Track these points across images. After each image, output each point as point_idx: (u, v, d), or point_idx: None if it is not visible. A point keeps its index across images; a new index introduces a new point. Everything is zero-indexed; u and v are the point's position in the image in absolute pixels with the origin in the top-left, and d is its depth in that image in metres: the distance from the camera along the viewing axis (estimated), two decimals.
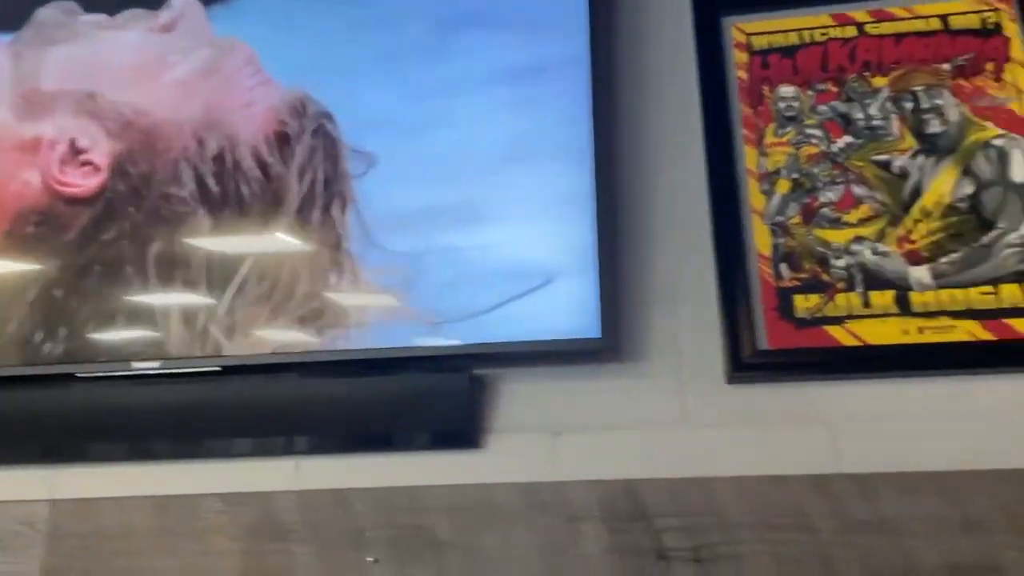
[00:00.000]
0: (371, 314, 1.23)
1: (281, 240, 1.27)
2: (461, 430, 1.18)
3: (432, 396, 1.18)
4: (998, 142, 1.24)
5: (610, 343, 1.16)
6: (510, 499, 1.14)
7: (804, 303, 1.20)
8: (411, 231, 1.22)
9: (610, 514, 1.12)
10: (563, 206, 1.22)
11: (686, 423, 1.17)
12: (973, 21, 1.32)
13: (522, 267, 1.19)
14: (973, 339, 1.14)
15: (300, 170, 1.25)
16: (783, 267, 1.23)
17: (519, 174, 1.23)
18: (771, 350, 1.18)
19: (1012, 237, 1.18)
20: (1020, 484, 1.05)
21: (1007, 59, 1.28)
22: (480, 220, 1.22)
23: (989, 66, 1.28)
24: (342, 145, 1.28)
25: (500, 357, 1.19)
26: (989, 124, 1.25)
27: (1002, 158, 1.23)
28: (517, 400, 1.21)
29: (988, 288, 1.16)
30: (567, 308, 1.18)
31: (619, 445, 1.17)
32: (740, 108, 1.33)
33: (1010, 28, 1.30)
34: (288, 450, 1.20)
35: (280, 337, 1.23)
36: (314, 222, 1.27)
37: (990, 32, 1.30)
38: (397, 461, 1.19)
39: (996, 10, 1.32)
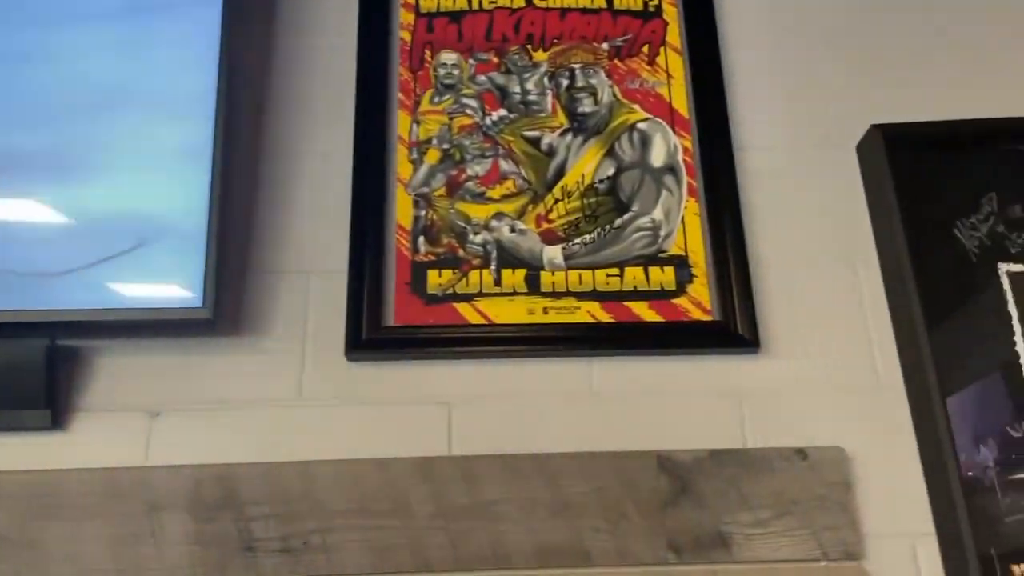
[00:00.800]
0: None
1: None
2: (35, 408, 1.05)
3: (2, 368, 1.04)
4: (642, 125, 1.25)
5: (212, 314, 1.07)
6: (85, 487, 1.02)
7: (437, 279, 1.16)
8: None
9: (197, 502, 1.03)
10: (176, 163, 1.11)
11: (299, 403, 1.10)
12: (636, 2, 1.33)
13: (119, 227, 1.07)
14: (593, 320, 1.14)
15: None
16: (421, 241, 1.18)
17: (121, 123, 1.10)
18: (395, 326, 1.14)
19: (643, 221, 1.20)
20: (618, 467, 1.06)
21: (663, 43, 1.31)
22: (73, 171, 1.09)
23: (645, 48, 1.30)
24: None
25: (87, 326, 1.07)
26: (637, 107, 1.26)
27: (644, 142, 1.25)
28: (113, 375, 1.10)
29: (614, 270, 1.17)
30: (171, 275, 1.07)
31: (222, 427, 1.08)
32: (399, 72, 1.28)
33: (670, 12, 1.33)
34: None
35: None
36: None
37: (651, 15, 1.32)
38: None
39: None
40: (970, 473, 1.04)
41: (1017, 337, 1.10)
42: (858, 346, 1.14)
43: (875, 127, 1.20)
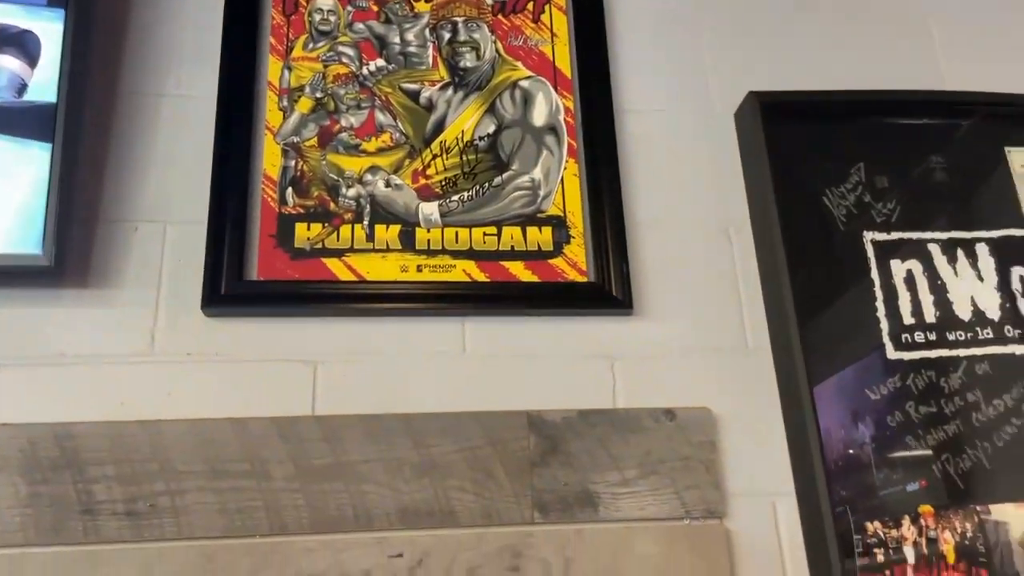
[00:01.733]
0: None
1: None
2: None
3: None
4: (525, 83, 1.26)
5: (54, 262, 1.02)
6: None
7: (305, 232, 1.14)
8: None
9: (32, 463, 0.98)
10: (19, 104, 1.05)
11: (150, 359, 1.06)
12: None
13: None
14: (469, 279, 1.15)
15: None
16: (289, 192, 1.16)
17: None
18: (259, 281, 1.11)
19: (523, 180, 1.21)
20: (487, 427, 1.06)
21: (548, 1, 1.31)
22: None
23: (530, 6, 1.31)
24: None
25: None
26: (520, 64, 1.27)
27: (526, 100, 1.25)
28: None
29: (491, 229, 1.18)
30: (10, 221, 1.02)
31: (64, 383, 1.03)
32: (271, 15, 1.25)
33: None
34: None
35: None
36: None
37: None
38: None
39: None
40: (850, 451, 1.10)
41: (878, 303, 1.17)
42: (729, 310, 1.18)
43: (752, 94, 1.24)
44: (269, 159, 1.17)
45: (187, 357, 1.07)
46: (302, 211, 1.15)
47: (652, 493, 1.06)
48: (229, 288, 1.09)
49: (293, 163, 1.17)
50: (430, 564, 1.00)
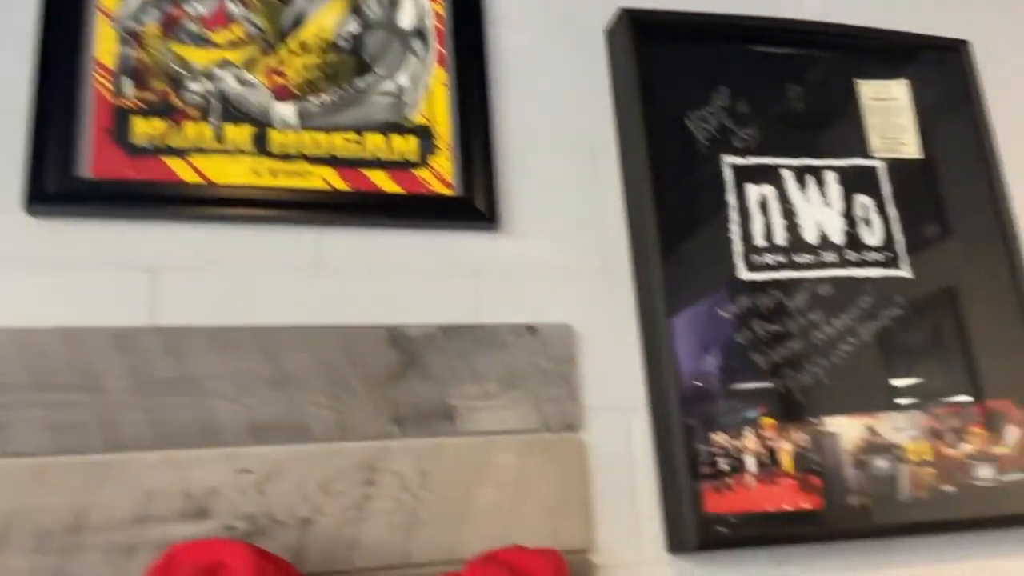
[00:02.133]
0: None
1: None
2: None
3: None
4: None
5: None
6: None
7: (146, 128, 1.05)
8: None
9: None
10: None
11: None
12: None
13: None
14: (327, 187, 1.09)
15: None
16: (127, 83, 1.06)
17: None
18: (92, 179, 1.01)
19: (387, 85, 1.15)
20: (345, 341, 1.03)
21: None
22: None
23: None
24: None
25: None
26: None
27: (393, 1, 1.19)
28: None
29: (353, 135, 1.12)
30: None
31: None
32: None
33: None
34: None
35: None
36: None
37: None
38: None
39: None
40: (699, 384, 1.12)
41: (732, 224, 1.21)
42: (593, 229, 1.19)
43: (624, 11, 1.23)
44: (104, 45, 1.06)
45: (8, 261, 0.97)
46: (142, 105, 1.05)
47: (511, 406, 1.07)
48: (57, 185, 0.99)
49: (132, 52, 1.07)
50: (281, 480, 0.97)
